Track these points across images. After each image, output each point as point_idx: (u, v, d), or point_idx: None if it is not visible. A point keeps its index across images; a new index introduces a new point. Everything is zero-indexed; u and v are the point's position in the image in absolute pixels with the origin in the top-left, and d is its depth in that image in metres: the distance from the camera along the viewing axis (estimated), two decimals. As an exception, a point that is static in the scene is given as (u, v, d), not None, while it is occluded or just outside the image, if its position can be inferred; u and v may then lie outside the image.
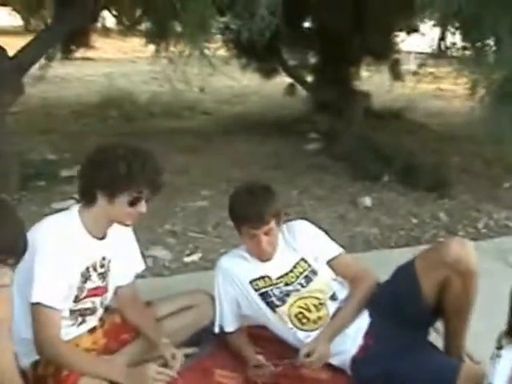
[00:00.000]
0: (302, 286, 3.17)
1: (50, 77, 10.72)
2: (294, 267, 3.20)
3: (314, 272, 3.21)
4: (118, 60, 15.42)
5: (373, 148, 7.16)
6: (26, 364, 2.86)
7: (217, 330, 3.28)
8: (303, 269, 3.20)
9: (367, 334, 3.08)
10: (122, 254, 3.05)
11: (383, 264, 3.52)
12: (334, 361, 3.10)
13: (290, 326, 3.15)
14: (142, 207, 2.84)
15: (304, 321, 3.14)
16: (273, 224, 3.09)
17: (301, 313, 3.14)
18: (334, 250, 3.33)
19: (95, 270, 2.91)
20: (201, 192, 6.17)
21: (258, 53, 9.28)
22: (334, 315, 3.13)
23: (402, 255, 3.61)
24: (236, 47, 9.66)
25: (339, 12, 7.91)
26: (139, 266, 3.21)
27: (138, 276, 4.19)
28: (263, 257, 3.18)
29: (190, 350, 3.09)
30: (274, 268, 3.19)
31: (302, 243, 3.25)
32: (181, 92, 11.06)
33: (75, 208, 2.89)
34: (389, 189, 6.42)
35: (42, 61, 7.62)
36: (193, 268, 4.63)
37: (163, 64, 6.70)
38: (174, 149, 7.74)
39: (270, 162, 7.31)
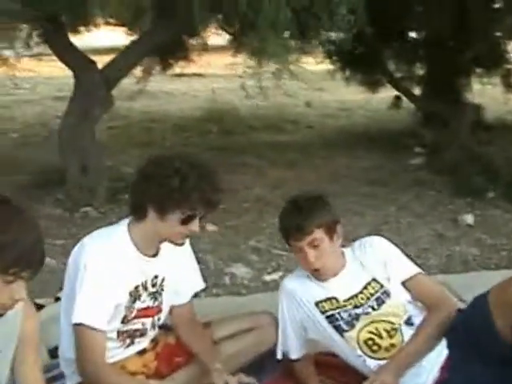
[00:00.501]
0: (373, 309, 2.84)
1: (155, 92, 10.85)
2: (365, 288, 2.88)
3: (387, 293, 2.87)
4: (226, 76, 15.39)
5: (479, 162, 6.78)
6: (70, 386, 2.71)
7: (279, 356, 3.01)
8: (375, 290, 2.87)
9: (444, 367, 2.74)
10: (179, 273, 2.84)
11: (480, 286, 3.14)
12: (408, 395, 2.77)
13: (359, 353, 2.83)
14: (195, 226, 2.62)
15: (375, 348, 2.82)
16: (319, 235, 2.79)
17: (371, 339, 2.82)
18: (410, 269, 2.95)
19: (146, 289, 2.71)
20: (292, 207, 5.93)
21: (363, 65, 9.06)
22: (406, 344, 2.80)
23: (501, 278, 3.23)
24: (340, 60, 9.43)
25: (446, 22, 7.60)
26: (198, 285, 2.99)
27: (212, 294, 4.02)
28: (318, 275, 2.88)
29: (247, 379, 2.80)
30: (342, 289, 2.89)
31: (374, 261, 2.91)
32: (285, 106, 10.99)
33: (124, 222, 2.70)
34: (494, 206, 6.03)
35: (140, 75, 7.65)
36: (273, 287, 4.37)
37: (268, 78, 6.54)
38: (271, 163, 7.62)
39: (370, 177, 7.08)
